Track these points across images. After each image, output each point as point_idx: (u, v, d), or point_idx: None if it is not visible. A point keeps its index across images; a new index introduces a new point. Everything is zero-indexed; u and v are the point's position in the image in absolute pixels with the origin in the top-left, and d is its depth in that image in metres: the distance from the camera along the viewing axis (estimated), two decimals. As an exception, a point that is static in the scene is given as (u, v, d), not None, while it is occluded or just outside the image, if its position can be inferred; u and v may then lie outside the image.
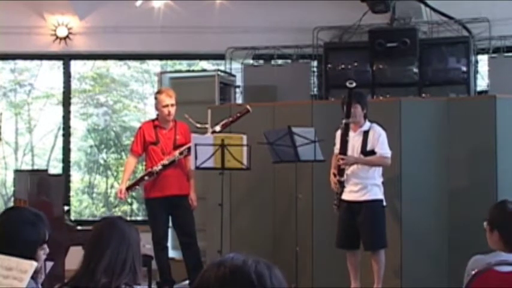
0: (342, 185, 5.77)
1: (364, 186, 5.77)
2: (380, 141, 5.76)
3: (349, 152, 5.76)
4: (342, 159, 5.70)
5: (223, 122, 6.29)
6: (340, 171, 5.76)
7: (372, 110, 6.01)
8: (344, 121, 5.69)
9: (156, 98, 6.41)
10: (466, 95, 7.51)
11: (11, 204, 8.16)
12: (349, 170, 5.79)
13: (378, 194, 5.79)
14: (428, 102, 6.71)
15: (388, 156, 5.78)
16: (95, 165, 10.13)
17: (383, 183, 5.84)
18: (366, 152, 5.77)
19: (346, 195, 5.80)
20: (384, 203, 5.82)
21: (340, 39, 8.30)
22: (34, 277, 2.68)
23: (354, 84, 5.64)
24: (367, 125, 5.84)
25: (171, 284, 6.49)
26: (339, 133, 5.85)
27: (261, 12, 8.33)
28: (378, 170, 5.83)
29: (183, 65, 9.69)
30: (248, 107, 6.37)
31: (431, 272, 6.22)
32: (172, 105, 6.27)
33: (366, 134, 5.81)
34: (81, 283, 2.64)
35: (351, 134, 5.80)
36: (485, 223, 3.27)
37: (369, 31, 7.79)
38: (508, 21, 7.70)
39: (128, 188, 6.37)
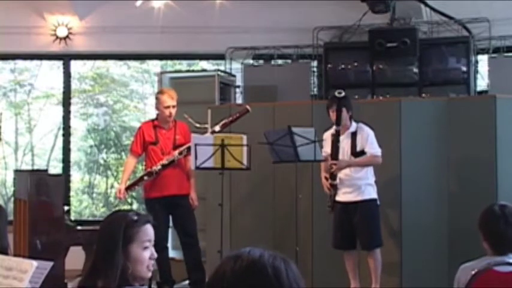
0: (334, 187, 5.83)
1: (358, 186, 5.82)
2: (369, 141, 5.81)
3: (340, 155, 5.81)
4: (334, 164, 5.74)
5: (223, 122, 6.29)
6: (332, 176, 5.81)
7: (372, 110, 6.02)
8: (335, 128, 5.75)
9: (157, 98, 6.40)
10: (466, 95, 7.51)
11: (11, 204, 8.16)
12: (342, 173, 5.83)
13: (371, 193, 5.84)
14: (428, 102, 6.71)
15: (379, 155, 5.83)
16: (95, 165, 10.13)
17: (377, 182, 5.88)
18: (356, 152, 5.82)
19: (341, 197, 5.85)
20: (378, 202, 5.85)
21: (340, 39, 8.30)
22: None
23: (343, 94, 5.70)
24: (353, 126, 5.89)
25: (171, 284, 6.49)
26: (326, 135, 5.92)
27: (261, 12, 8.33)
28: (370, 170, 5.88)
29: (183, 65, 9.70)
30: (248, 106, 6.37)
31: (431, 272, 6.22)
32: (173, 106, 6.27)
33: (354, 135, 5.86)
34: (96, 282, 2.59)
35: (340, 137, 5.85)
36: None
37: (369, 31, 7.79)
38: (508, 21, 7.70)
39: (128, 188, 6.37)
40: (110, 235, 2.60)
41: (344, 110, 5.79)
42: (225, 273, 1.43)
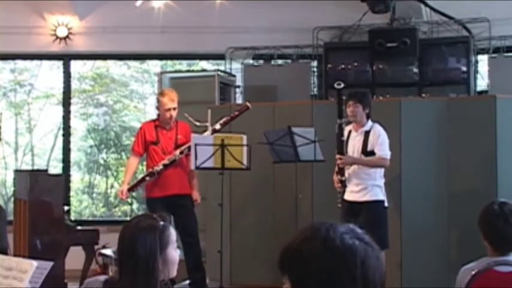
0: (343, 184, 5.76)
1: (365, 186, 5.74)
2: (379, 142, 5.73)
3: (350, 152, 5.74)
4: (340, 158, 5.70)
5: (224, 119, 6.29)
6: (341, 171, 5.75)
7: (372, 110, 6.01)
8: (338, 121, 5.69)
9: (158, 100, 6.39)
10: (466, 95, 7.51)
11: (11, 204, 8.16)
12: (350, 170, 5.77)
13: (378, 194, 5.75)
14: (428, 102, 6.72)
15: (387, 158, 5.72)
16: (95, 165, 10.13)
17: (384, 184, 5.83)
18: (366, 152, 5.76)
19: (347, 196, 5.78)
20: (386, 204, 5.78)
21: (340, 39, 8.30)
22: None
23: (342, 85, 5.66)
24: (369, 124, 5.80)
25: (171, 284, 6.48)
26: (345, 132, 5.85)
27: (261, 12, 8.33)
28: (380, 171, 5.79)
29: (183, 65, 9.69)
30: (248, 103, 6.37)
31: (432, 272, 6.22)
32: (174, 108, 6.26)
33: (367, 134, 5.78)
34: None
35: (353, 133, 5.79)
36: None
37: (369, 31, 7.79)
38: (508, 21, 7.71)
39: (130, 189, 6.37)
40: (146, 246, 2.56)
41: (360, 106, 5.73)
42: (313, 253, 1.37)
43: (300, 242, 1.40)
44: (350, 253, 1.38)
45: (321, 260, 1.37)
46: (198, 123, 6.26)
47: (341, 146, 5.70)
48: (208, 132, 6.19)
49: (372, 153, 5.74)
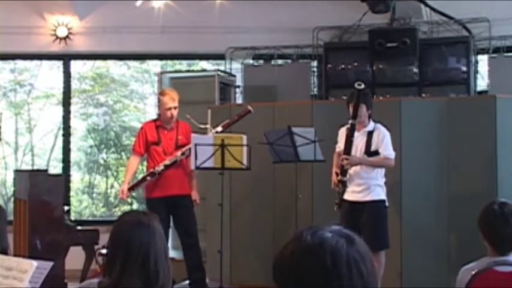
0: (344, 184, 5.76)
1: (367, 186, 5.74)
2: (384, 142, 5.73)
3: (353, 152, 5.74)
4: (346, 159, 5.68)
5: (225, 122, 6.30)
6: (343, 171, 5.74)
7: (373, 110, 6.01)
8: (350, 122, 5.66)
9: (159, 100, 6.40)
10: (466, 95, 7.51)
11: (11, 204, 8.16)
12: (352, 170, 5.76)
13: (380, 194, 5.75)
14: (428, 102, 6.72)
15: (392, 158, 5.74)
16: (95, 165, 10.13)
17: (385, 183, 5.84)
18: (369, 152, 5.75)
19: (349, 196, 5.77)
20: (387, 204, 5.79)
21: (340, 39, 8.30)
22: None
23: (363, 86, 5.59)
24: (371, 125, 5.81)
25: (171, 284, 6.48)
26: (342, 131, 5.83)
27: (261, 12, 8.33)
28: (381, 171, 5.79)
29: (183, 65, 9.69)
30: (249, 107, 6.37)
31: (432, 272, 6.22)
32: (175, 108, 6.27)
33: (370, 134, 5.77)
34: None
35: (355, 133, 5.79)
36: None
37: (369, 31, 7.79)
38: (508, 21, 7.70)
39: (130, 189, 6.37)
40: (158, 239, 2.58)
41: (364, 106, 5.69)
42: (286, 257, 1.40)
43: (281, 251, 1.43)
44: (319, 246, 1.38)
45: (296, 260, 1.39)
46: (202, 126, 6.26)
47: (350, 147, 5.69)
48: (209, 135, 6.19)
49: (376, 153, 5.74)
